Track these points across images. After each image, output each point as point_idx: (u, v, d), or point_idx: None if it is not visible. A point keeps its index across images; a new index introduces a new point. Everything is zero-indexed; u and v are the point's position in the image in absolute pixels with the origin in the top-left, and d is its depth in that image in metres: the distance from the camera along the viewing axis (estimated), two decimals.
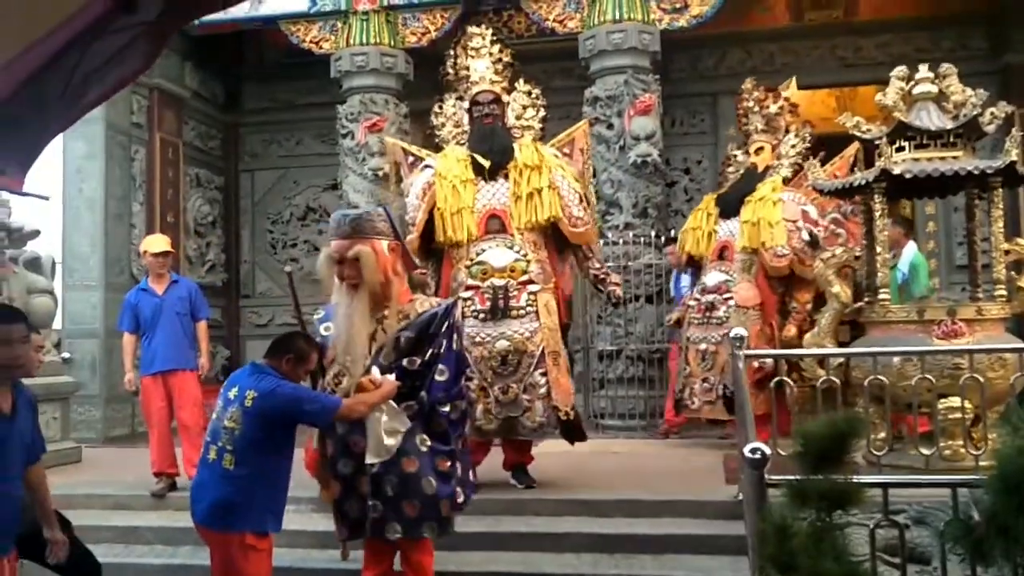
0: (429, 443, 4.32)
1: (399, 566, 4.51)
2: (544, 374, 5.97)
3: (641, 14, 9.15)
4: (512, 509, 5.75)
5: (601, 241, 8.70)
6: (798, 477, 2.89)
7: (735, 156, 8.07)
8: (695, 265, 7.93)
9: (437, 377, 4.35)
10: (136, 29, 2.98)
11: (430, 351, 4.37)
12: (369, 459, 4.24)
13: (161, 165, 10.46)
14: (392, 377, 4.27)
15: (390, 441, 4.22)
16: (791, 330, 7.02)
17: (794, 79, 8.10)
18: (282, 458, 3.99)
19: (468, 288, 6.06)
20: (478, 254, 6.14)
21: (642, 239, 8.82)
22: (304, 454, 4.86)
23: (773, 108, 7.69)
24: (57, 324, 8.85)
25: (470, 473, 4.71)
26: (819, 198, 7.26)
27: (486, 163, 6.25)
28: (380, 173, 9.48)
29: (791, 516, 2.76)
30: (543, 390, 5.96)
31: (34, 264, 8.22)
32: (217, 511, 3.86)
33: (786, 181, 7.47)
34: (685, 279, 8.43)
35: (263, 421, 3.85)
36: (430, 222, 6.25)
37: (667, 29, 9.26)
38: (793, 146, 7.63)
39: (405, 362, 4.35)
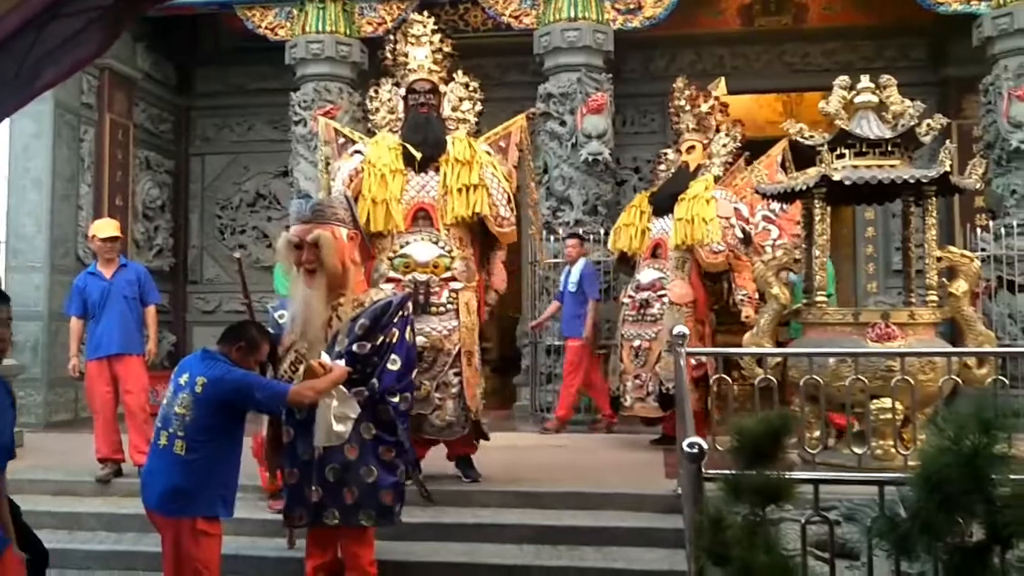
0: (374, 431, 4.36)
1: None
2: (458, 373, 5.91)
3: (596, 13, 9.26)
4: (457, 500, 5.80)
5: (552, 237, 8.84)
6: (734, 472, 2.99)
7: (666, 155, 8.17)
8: (628, 263, 8.01)
9: (389, 366, 4.38)
10: (93, 13, 2.98)
11: (382, 338, 4.40)
12: (317, 443, 4.28)
13: (111, 147, 10.31)
14: (342, 363, 4.30)
15: (340, 427, 4.25)
16: (750, 312, 7.04)
17: (723, 79, 8.22)
18: (233, 444, 4.02)
19: (389, 280, 5.88)
20: (402, 247, 6.01)
21: (591, 236, 8.92)
22: (252, 442, 4.88)
23: (704, 107, 7.78)
24: None
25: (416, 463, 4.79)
26: (748, 196, 7.40)
27: (418, 155, 6.13)
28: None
29: (726, 510, 2.84)
30: (455, 389, 5.90)
31: None
32: (169, 497, 3.88)
33: (717, 179, 7.60)
34: (574, 275, 8.37)
35: (214, 407, 3.87)
36: None
37: (621, 29, 9.39)
38: (724, 145, 7.76)
39: (355, 347, 4.37)
